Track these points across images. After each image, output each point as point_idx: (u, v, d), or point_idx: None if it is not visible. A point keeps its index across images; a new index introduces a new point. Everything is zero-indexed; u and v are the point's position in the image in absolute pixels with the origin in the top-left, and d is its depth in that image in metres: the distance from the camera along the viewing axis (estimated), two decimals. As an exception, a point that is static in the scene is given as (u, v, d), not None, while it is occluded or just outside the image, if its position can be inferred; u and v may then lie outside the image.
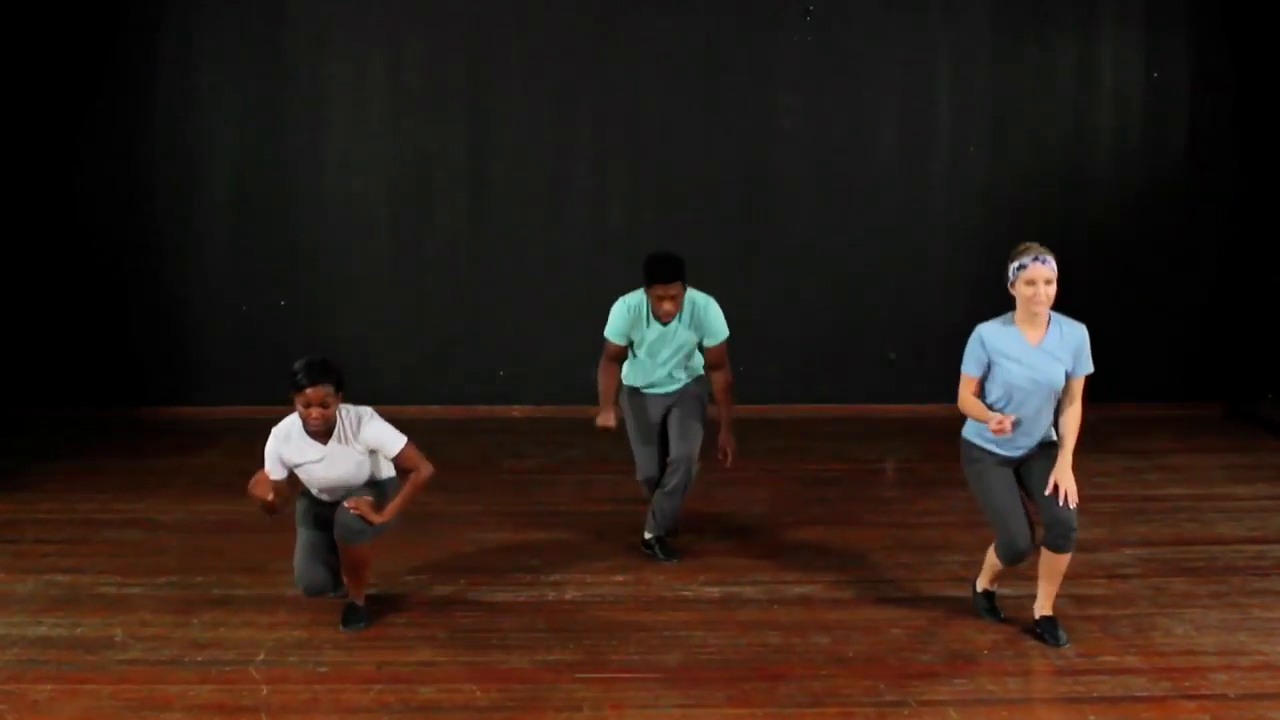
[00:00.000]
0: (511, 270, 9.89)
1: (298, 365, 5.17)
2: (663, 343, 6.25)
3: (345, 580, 5.49)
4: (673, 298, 6.07)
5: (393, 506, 5.32)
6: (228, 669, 4.93)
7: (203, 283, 9.76)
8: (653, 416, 6.39)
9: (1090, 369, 5.18)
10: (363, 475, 5.38)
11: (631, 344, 6.33)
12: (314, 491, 5.47)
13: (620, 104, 9.80)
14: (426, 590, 5.89)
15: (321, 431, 5.23)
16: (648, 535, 6.38)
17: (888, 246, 9.95)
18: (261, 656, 5.05)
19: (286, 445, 5.31)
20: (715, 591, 5.84)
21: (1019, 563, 5.28)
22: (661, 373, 6.35)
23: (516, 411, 9.89)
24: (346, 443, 5.28)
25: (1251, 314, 9.94)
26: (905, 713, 4.57)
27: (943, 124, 9.91)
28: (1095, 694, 4.73)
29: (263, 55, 9.65)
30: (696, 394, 6.42)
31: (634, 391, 6.44)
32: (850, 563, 6.27)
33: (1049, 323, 5.18)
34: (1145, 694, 4.74)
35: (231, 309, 9.78)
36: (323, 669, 4.95)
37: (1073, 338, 5.18)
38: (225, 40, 9.60)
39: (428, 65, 9.73)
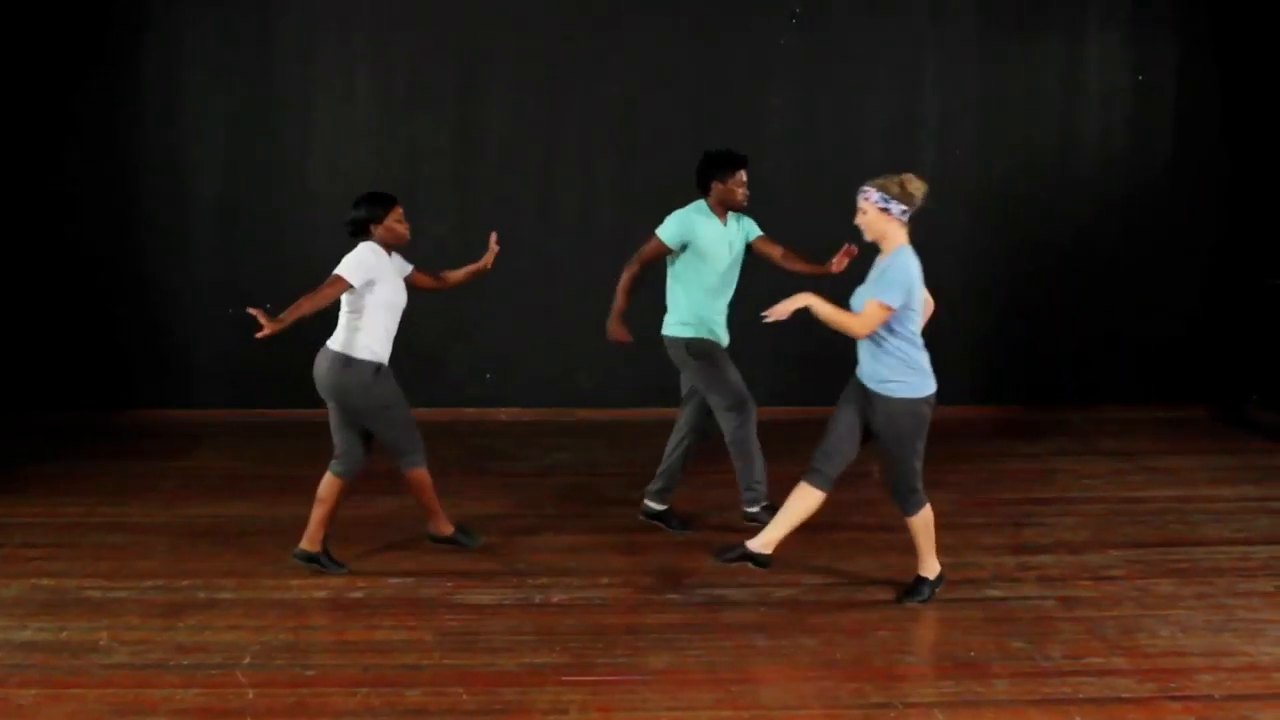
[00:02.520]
0: (499, 272, 9.86)
1: (379, 193, 6.12)
2: (726, 245, 6.56)
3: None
4: (746, 183, 6.55)
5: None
6: (214, 673, 4.92)
7: (190, 285, 9.74)
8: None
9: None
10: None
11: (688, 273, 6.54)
12: (384, 317, 6.00)
13: (609, 106, 9.80)
14: (413, 593, 5.88)
15: (397, 248, 6.11)
16: (758, 506, 6.61)
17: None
18: (247, 660, 5.04)
19: (378, 257, 5.97)
20: (702, 594, 5.84)
21: None
22: (722, 300, 6.60)
23: (504, 415, 9.89)
24: (398, 262, 6.17)
25: (1237, 316, 9.97)
26: (891, 715, 4.58)
27: (930, 126, 9.93)
28: (1081, 695, 4.74)
29: (249, 57, 9.64)
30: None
31: (702, 341, 6.57)
32: (836, 565, 6.28)
33: None
34: (1131, 695, 4.75)
35: (218, 312, 9.76)
36: (309, 672, 4.94)
37: None
38: (211, 42, 9.58)
39: (415, 66, 9.73)
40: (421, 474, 6.16)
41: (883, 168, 9.86)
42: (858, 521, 7.01)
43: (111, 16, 9.51)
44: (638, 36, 9.76)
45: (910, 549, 6.46)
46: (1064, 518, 7.09)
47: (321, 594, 5.83)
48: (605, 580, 6.03)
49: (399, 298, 6.06)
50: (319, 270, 9.67)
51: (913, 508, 5.67)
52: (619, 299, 6.57)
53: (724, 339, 6.68)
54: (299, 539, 6.10)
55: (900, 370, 5.50)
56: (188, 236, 9.73)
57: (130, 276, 9.69)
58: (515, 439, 9.19)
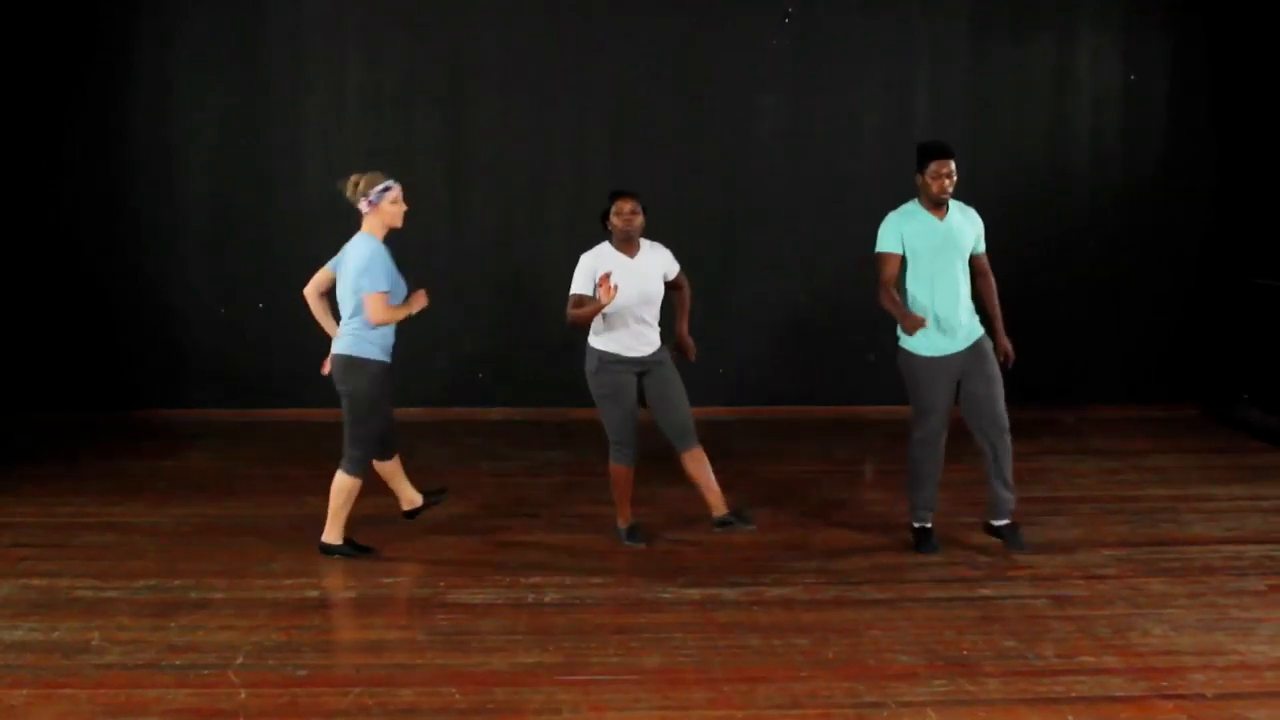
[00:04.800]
0: (491, 271, 9.88)
1: (615, 189, 6.53)
2: (947, 244, 6.24)
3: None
4: (950, 174, 6.20)
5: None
6: (206, 673, 4.91)
7: (182, 286, 9.72)
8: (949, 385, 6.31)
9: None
10: (657, 292, 6.42)
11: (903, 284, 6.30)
12: (616, 313, 6.27)
13: (601, 106, 9.80)
14: (405, 593, 5.87)
15: (630, 240, 6.37)
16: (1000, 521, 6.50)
17: (868, 247, 9.95)
18: (239, 660, 5.03)
19: (599, 259, 6.33)
20: (694, 593, 5.84)
21: None
22: (949, 296, 6.23)
23: (495, 414, 9.87)
24: (648, 256, 6.43)
25: (1228, 315, 9.99)
26: (884, 714, 4.58)
27: (922, 125, 9.92)
28: (1074, 694, 4.74)
29: (241, 57, 9.62)
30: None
31: (928, 362, 6.27)
32: (829, 564, 6.28)
33: None
34: (1123, 694, 4.76)
35: (211, 312, 9.74)
36: (301, 672, 4.93)
37: None
38: (204, 42, 9.57)
39: (407, 66, 9.72)
40: (618, 469, 6.53)
41: (874, 167, 9.97)
42: (850, 521, 7.01)
43: (102, 18, 9.49)
44: (630, 36, 9.75)
45: (898, 549, 6.49)
46: (1056, 517, 7.10)
47: (313, 594, 5.82)
48: (598, 580, 6.02)
49: (623, 296, 6.22)
50: (309, 271, 9.75)
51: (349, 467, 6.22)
52: (896, 313, 6.27)
53: (956, 339, 6.28)
54: (290, 539, 6.10)
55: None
56: (180, 237, 9.72)
57: (124, 277, 9.67)
58: (506, 438, 9.18)
